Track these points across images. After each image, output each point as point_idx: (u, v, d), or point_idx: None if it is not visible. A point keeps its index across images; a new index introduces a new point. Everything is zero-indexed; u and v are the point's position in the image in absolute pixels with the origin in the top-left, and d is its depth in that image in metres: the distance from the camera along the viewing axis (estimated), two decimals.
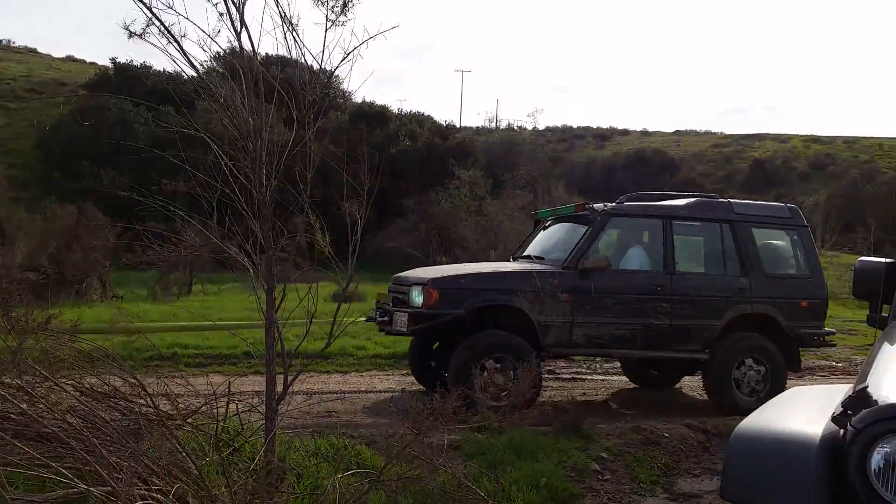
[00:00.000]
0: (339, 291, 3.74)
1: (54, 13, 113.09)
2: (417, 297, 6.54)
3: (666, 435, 5.83)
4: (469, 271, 7.16)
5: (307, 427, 5.18)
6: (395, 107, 35.98)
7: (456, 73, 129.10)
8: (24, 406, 2.83)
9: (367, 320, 7.18)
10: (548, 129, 58.11)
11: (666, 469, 5.32)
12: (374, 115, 31.43)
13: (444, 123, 35.42)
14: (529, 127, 58.04)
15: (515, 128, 56.98)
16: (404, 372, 8.31)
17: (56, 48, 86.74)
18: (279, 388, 3.54)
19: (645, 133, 57.09)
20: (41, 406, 2.84)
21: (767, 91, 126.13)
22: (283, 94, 3.51)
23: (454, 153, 29.25)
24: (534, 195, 24.38)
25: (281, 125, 3.70)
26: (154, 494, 2.41)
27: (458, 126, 42.74)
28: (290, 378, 3.57)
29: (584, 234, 6.91)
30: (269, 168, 3.41)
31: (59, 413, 2.88)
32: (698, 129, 58.82)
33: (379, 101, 34.24)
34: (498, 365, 6.37)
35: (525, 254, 7.79)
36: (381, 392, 7.50)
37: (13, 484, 2.49)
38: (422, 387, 7.40)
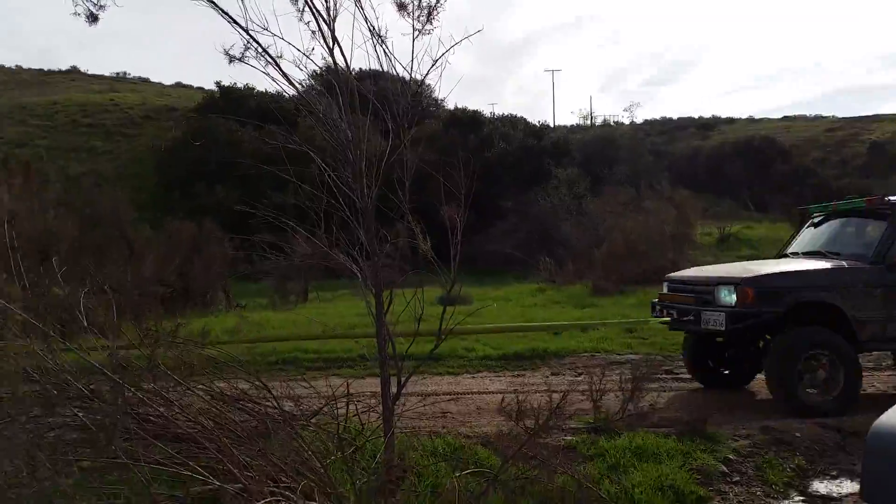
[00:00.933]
0: (444, 294, 3.77)
1: (161, 44, 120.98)
2: (729, 297, 6.63)
3: (798, 435, 5.51)
4: (779, 269, 7.15)
5: (423, 427, 5.24)
6: (487, 111, 36.04)
7: (546, 73, 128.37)
8: (162, 409, 3.00)
9: (654, 316, 7.57)
10: (646, 123, 56.41)
11: (799, 471, 5.03)
12: (467, 121, 31.56)
13: (537, 124, 35.14)
14: (627, 122, 56.54)
15: (612, 123, 55.61)
16: (515, 373, 8.28)
17: (166, 76, 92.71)
18: (394, 389, 3.60)
19: (752, 120, 54.36)
20: (176, 409, 3.01)
21: (877, 70, 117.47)
22: (378, 105, 3.58)
23: (550, 153, 28.97)
24: (636, 190, 23.71)
25: (378, 136, 3.78)
26: (282, 491, 2.49)
27: (552, 126, 42.25)
28: (403, 379, 3.61)
29: (887, 229, 6.82)
30: (369, 177, 3.47)
31: (192, 415, 3.05)
32: (808, 114, 55.49)
33: (471, 107, 34.33)
34: (822, 361, 6.40)
35: (806, 250, 7.70)
36: (493, 393, 7.50)
37: (157, 480, 2.66)
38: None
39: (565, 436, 5.31)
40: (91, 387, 2.95)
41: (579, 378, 7.60)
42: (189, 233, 15.65)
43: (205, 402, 3.19)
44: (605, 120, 56.50)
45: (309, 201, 3.71)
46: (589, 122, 56.50)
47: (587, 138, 40.43)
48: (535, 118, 48.94)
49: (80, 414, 2.77)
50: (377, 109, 3.58)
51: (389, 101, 3.59)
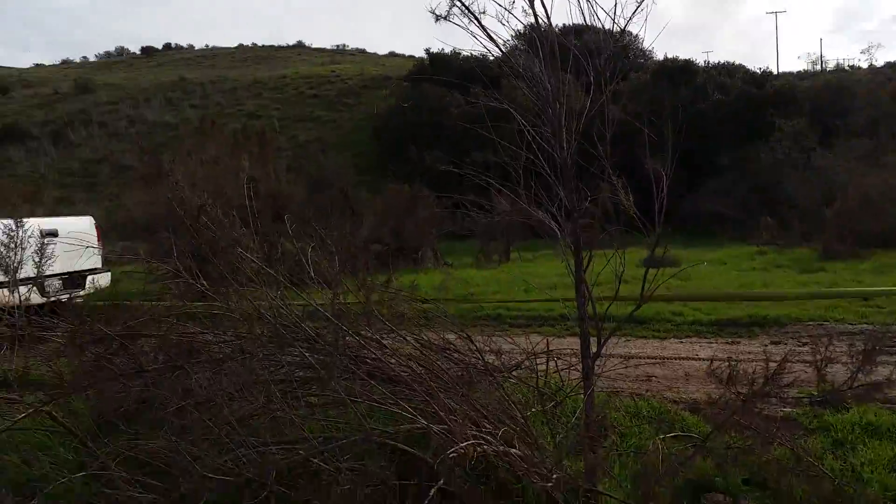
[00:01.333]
0: (648, 256, 3.62)
1: (375, 14, 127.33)
2: None
3: None
4: None
5: (625, 389, 5.16)
6: (700, 60, 33.42)
7: (768, 16, 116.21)
8: (376, 353, 3.25)
9: None
10: (888, 66, 48.87)
11: None
12: (678, 71, 29.48)
13: (758, 71, 31.96)
14: (864, 65, 49.41)
15: (846, 68, 48.94)
16: (729, 340, 7.80)
17: (380, 46, 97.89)
18: (594, 349, 3.56)
19: None
20: (388, 353, 3.24)
21: None
22: (578, 55, 3.48)
23: (773, 102, 26.29)
24: (875, 142, 20.85)
25: (580, 92, 3.68)
26: (484, 436, 2.60)
27: (775, 73, 38.20)
28: (603, 339, 3.56)
29: None
30: (569, 132, 3.40)
31: (403, 360, 3.27)
32: None
33: (682, 57, 32.02)
34: None
35: None
36: (702, 359, 7.13)
37: (371, 417, 2.91)
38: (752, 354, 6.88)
39: (784, 407, 4.92)
40: (316, 330, 3.27)
41: (803, 348, 6.96)
42: (402, 195, 16.60)
43: (415, 348, 3.40)
44: (837, 64, 49.81)
45: (509, 159, 3.74)
46: (819, 67, 50.25)
47: (816, 85, 36.07)
48: (755, 66, 44.61)
49: (307, 354, 3.09)
50: (579, 64, 3.49)
51: (592, 54, 3.48)
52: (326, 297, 3.68)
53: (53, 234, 8.44)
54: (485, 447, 2.43)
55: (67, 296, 8.44)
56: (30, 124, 36.11)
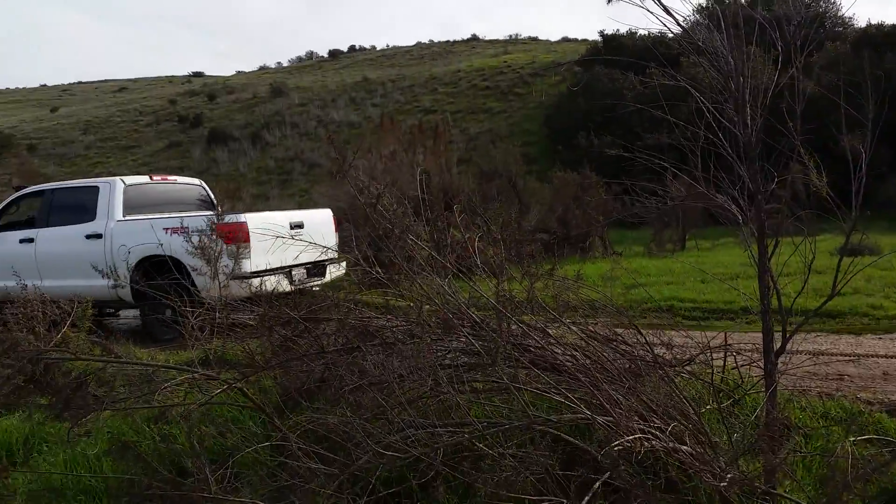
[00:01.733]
0: (843, 244, 3.26)
1: (548, 2, 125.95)
2: None
3: None
4: None
5: (813, 388, 4.72)
6: None
7: None
8: (540, 341, 3.24)
9: None
10: None
11: None
12: (883, 38, 26.12)
13: None
14: None
15: None
16: None
17: (553, 33, 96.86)
18: (777, 344, 3.29)
19: None
20: (552, 342, 3.22)
21: None
22: (765, 24, 3.20)
23: None
24: None
25: (768, 65, 3.39)
26: (651, 430, 2.50)
27: None
28: (788, 333, 3.28)
29: None
30: (753, 107, 3.15)
31: (567, 349, 3.22)
32: None
33: (888, 22, 28.44)
34: None
35: None
36: None
37: (534, 405, 2.91)
38: None
39: None
40: (480, 317, 3.33)
41: None
42: (571, 182, 16.33)
43: (580, 338, 3.34)
44: None
45: (685, 140, 3.55)
46: None
47: None
48: None
49: (473, 340, 3.15)
50: (768, 36, 3.22)
51: (780, 23, 3.20)
52: (492, 286, 3.72)
53: (300, 225, 8.83)
54: (653, 442, 2.33)
55: (311, 284, 8.83)
56: (232, 127, 40.00)
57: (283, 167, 34.82)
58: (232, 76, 62.77)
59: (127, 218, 8.85)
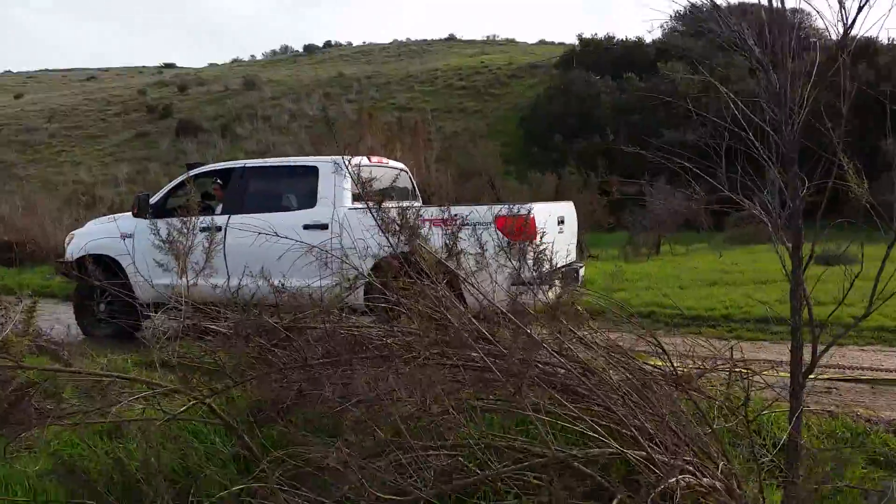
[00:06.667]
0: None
1: (526, 3, 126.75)
2: None
3: None
4: None
5: (828, 406, 4.46)
6: None
7: None
8: (560, 359, 2.88)
9: None
10: None
11: None
12: None
13: None
14: None
15: None
16: None
17: (531, 35, 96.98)
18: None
19: None
20: (567, 357, 2.87)
21: None
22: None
23: None
24: None
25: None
26: (688, 468, 2.17)
27: None
28: (819, 351, 2.99)
29: None
30: (792, 101, 2.84)
31: (575, 366, 2.88)
32: None
33: None
34: None
35: None
36: None
37: (552, 427, 2.54)
38: None
39: None
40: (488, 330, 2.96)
41: None
42: (550, 183, 16.15)
43: (597, 353, 3.00)
44: None
45: (712, 140, 3.26)
46: None
47: None
48: None
49: (489, 361, 2.76)
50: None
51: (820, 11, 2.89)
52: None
53: (562, 221, 7.39)
54: (701, 480, 2.01)
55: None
56: (202, 119, 39.09)
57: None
58: (204, 68, 61.51)
59: (357, 205, 7.04)
